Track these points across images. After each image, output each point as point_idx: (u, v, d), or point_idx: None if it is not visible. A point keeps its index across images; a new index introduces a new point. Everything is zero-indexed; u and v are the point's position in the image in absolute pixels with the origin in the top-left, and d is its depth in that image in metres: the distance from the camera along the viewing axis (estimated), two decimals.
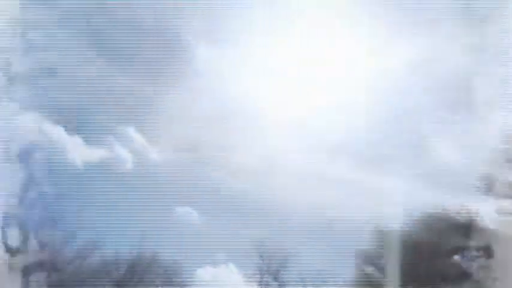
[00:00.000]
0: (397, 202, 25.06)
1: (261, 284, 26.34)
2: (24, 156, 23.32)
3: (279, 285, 26.30)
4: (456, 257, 25.50)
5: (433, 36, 24.96)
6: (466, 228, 24.80)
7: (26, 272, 21.42)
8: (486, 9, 24.62)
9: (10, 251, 21.37)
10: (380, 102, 25.10)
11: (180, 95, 27.29)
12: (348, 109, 25.00)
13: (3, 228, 21.60)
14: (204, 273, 24.89)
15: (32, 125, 24.92)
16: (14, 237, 21.76)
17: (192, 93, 27.05)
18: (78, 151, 25.35)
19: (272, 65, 25.80)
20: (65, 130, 25.28)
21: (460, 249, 25.09)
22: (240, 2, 24.65)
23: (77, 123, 25.79)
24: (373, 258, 26.46)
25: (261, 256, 26.36)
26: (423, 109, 24.79)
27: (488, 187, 24.43)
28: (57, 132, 24.70)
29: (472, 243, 24.95)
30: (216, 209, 26.22)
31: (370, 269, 26.63)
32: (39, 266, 22.31)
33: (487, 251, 24.49)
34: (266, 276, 26.47)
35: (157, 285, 24.31)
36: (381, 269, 26.65)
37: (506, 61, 24.73)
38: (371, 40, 25.09)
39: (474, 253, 25.15)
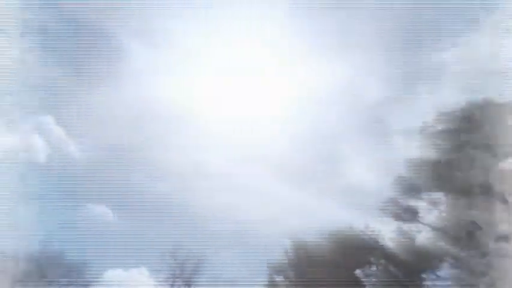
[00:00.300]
0: (310, 216, 26.56)
1: None
2: None
3: None
4: (358, 271, 27.51)
5: (359, 63, 26.71)
6: (369, 245, 26.92)
7: None
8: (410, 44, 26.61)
9: None
10: (304, 120, 26.37)
11: (110, 93, 26.70)
12: (275, 124, 26.03)
13: None
14: (113, 274, 24.48)
15: None
16: None
17: (123, 93, 26.60)
18: None
19: (206, 70, 26.09)
20: None
21: (362, 265, 27.10)
22: (177, 3, 24.70)
23: None
24: (283, 268, 27.70)
25: (175, 260, 26.47)
26: (342, 131, 26.39)
27: (391, 210, 26.80)
28: None
29: (373, 259, 27.22)
30: (134, 210, 25.95)
31: (279, 278, 27.85)
32: None
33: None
34: (178, 281, 26.62)
35: (61, 285, 23.50)
36: (290, 279, 28.02)
37: (421, 94, 27.23)
38: (301, 59, 26.19)
39: (374, 268, 27.34)
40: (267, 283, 27.56)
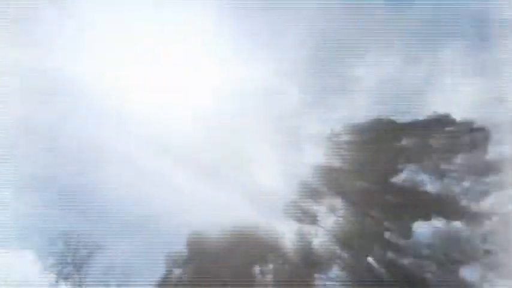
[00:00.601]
0: (216, 212, 26.62)
1: (60, 275, 24.84)
2: None
3: (80, 277, 25.19)
4: (256, 268, 28.27)
5: (284, 65, 27.26)
6: (269, 244, 27.82)
7: None
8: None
9: None
10: (221, 116, 26.35)
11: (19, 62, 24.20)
12: (191, 117, 25.67)
13: None
14: None
15: None
16: None
17: (32, 63, 24.24)
18: None
19: (126, 56, 24.92)
20: None
21: (260, 262, 27.88)
22: None
23: None
24: (182, 261, 27.47)
25: (67, 246, 24.92)
26: (257, 131, 26.77)
27: (294, 212, 27.95)
28: None
29: (271, 257, 28.15)
30: (28, 191, 23.95)
31: (178, 271, 27.55)
32: None
33: None
34: (68, 267, 25.10)
35: None
36: (188, 271, 27.90)
37: (335, 104, 28.58)
38: (226, 56, 26.11)
39: (271, 266, 28.24)
40: (163, 274, 27.16)
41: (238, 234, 27.18)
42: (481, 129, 23.97)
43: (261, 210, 26.68)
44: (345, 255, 26.93)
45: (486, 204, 23.76)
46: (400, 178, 25.37)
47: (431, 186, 24.60)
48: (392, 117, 25.81)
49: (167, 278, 27.18)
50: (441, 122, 24.64)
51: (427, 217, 24.95)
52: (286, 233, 27.76)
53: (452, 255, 24.53)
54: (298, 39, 27.25)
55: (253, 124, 25.45)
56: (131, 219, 25.56)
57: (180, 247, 26.88)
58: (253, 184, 26.07)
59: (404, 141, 25.34)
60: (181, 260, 27.29)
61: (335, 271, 27.32)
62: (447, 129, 24.51)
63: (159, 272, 26.74)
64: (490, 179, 23.64)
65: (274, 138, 25.98)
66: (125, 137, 25.07)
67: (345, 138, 26.88)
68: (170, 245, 26.48)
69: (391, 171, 25.41)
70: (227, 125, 25.03)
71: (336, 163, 27.01)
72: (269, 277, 27.80)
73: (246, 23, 26.59)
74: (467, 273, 24.27)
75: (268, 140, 25.83)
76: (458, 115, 24.41)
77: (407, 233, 25.43)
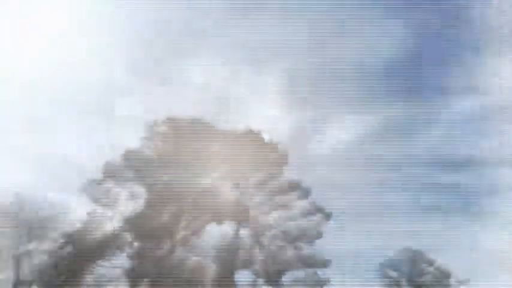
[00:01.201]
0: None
1: None
2: None
3: None
4: (33, 244, 25.32)
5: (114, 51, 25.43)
6: (51, 221, 25.27)
7: None
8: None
9: None
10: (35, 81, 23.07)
11: None
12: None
13: None
14: None
15: None
16: None
17: None
18: None
19: None
20: None
21: (37, 239, 25.06)
22: None
23: None
24: None
25: None
26: (71, 105, 24.19)
27: (91, 191, 26.05)
28: None
29: (54, 235, 25.53)
30: None
31: None
32: None
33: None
34: None
35: None
36: None
37: (158, 96, 27.78)
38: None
39: (48, 244, 25.53)
40: None
41: (19, 204, 23.87)
42: (283, 155, 26.59)
43: (55, 184, 24.11)
44: (135, 244, 26.17)
45: (271, 218, 26.33)
46: (205, 180, 25.97)
47: (229, 193, 25.89)
48: (211, 121, 26.46)
49: None
50: (251, 138, 26.27)
51: (220, 221, 26.20)
52: (79, 212, 25.64)
53: (233, 259, 26.31)
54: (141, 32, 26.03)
55: (72, 97, 22.93)
56: None
57: None
58: (51, 154, 23.35)
59: (218, 147, 26.07)
60: None
61: (121, 259, 26.34)
62: (255, 145, 26.22)
63: None
64: (278, 198, 26.34)
65: (90, 115, 23.91)
66: None
67: (163, 130, 26.34)
68: None
69: (198, 172, 25.83)
70: (43, 93, 21.86)
71: (148, 151, 26.24)
72: (42, 258, 25.10)
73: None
74: (242, 276, 26.52)
75: (84, 116, 23.64)
76: (267, 135, 26.49)
77: (200, 233, 26.27)
